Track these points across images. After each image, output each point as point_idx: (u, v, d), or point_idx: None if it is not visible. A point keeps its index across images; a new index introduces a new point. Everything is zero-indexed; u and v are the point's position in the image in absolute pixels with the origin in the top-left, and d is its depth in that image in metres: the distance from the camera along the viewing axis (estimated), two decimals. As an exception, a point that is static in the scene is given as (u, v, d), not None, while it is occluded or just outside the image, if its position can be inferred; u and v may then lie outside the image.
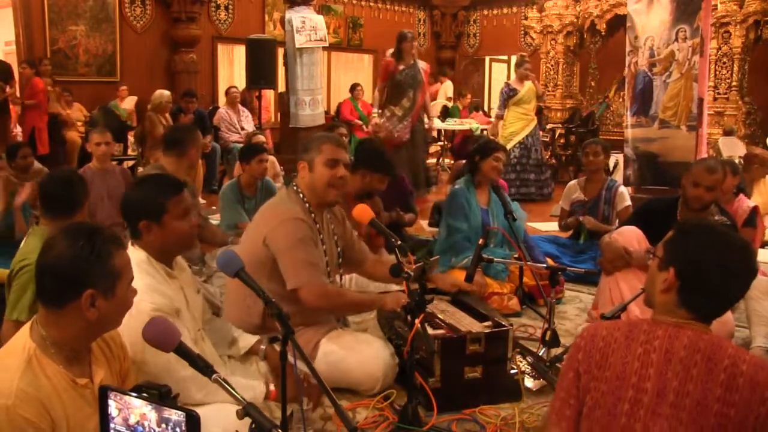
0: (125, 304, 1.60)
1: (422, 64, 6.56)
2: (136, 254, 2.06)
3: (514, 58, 9.99)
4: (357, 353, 2.70)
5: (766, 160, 5.16)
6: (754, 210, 4.14)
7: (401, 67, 6.37)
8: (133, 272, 1.62)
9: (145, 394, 1.25)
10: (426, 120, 6.73)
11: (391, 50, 6.63)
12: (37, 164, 5.37)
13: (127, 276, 1.59)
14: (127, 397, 1.27)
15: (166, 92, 7.59)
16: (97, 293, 1.50)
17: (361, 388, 2.72)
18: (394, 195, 4.67)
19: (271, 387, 2.27)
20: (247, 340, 2.48)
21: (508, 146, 7.47)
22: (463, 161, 6.36)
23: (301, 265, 2.64)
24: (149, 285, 2.00)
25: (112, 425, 1.30)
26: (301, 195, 2.79)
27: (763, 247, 4.75)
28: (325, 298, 2.69)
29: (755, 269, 1.54)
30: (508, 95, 7.40)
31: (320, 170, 2.73)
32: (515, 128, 7.56)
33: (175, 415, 1.22)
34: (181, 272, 2.23)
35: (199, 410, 1.72)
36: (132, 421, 1.27)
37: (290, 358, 1.91)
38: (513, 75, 7.79)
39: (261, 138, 6.36)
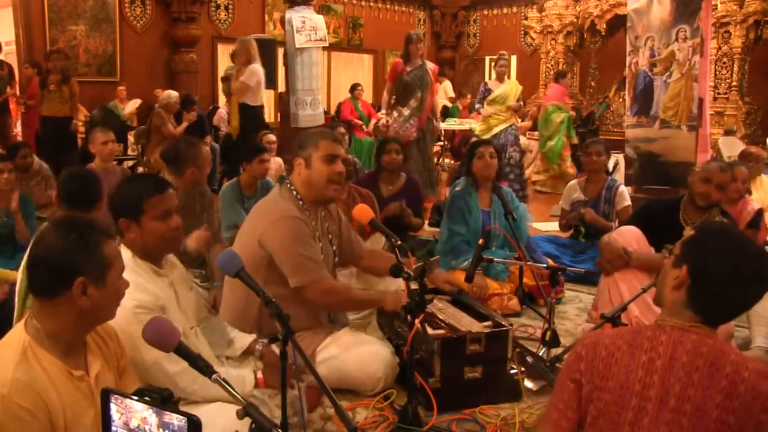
0: (117, 294, 1.61)
1: (430, 65, 6.61)
2: (122, 253, 2.07)
3: (514, 59, 10.00)
4: (357, 354, 2.69)
5: (761, 157, 5.19)
6: (759, 212, 4.15)
7: (409, 68, 6.43)
8: (123, 263, 1.64)
9: (146, 398, 1.25)
10: (434, 121, 6.78)
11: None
12: (36, 161, 5.38)
13: (118, 266, 1.60)
14: (128, 401, 1.26)
15: (174, 93, 7.61)
16: (87, 281, 1.52)
17: (362, 389, 2.72)
18: (407, 197, 4.69)
19: (259, 375, 2.27)
20: (243, 340, 2.48)
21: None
22: (459, 163, 6.40)
23: (302, 263, 2.64)
24: (133, 282, 1.96)
25: (113, 428, 1.30)
26: (294, 192, 2.77)
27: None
28: (331, 294, 2.69)
29: None
30: (483, 95, 7.47)
31: (318, 166, 2.72)
32: (483, 127, 7.61)
33: (176, 420, 1.22)
34: (172, 269, 2.24)
35: (198, 410, 1.74)
36: (133, 425, 1.27)
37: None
38: (513, 75, 7.78)
39: (271, 137, 6.36)
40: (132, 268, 2.04)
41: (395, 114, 6.52)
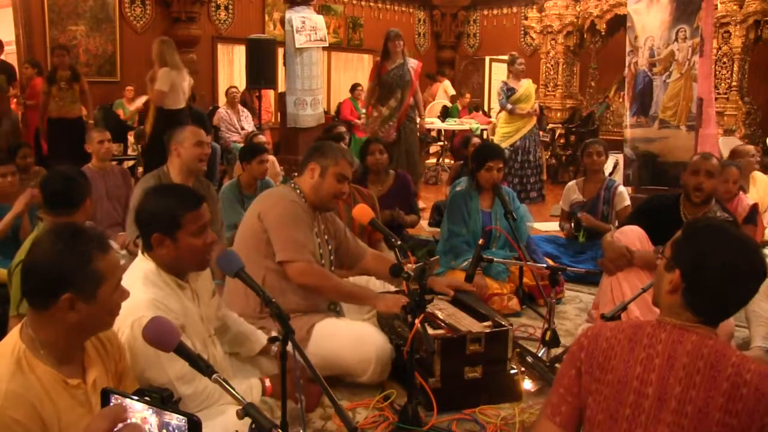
0: (110, 308, 1.56)
1: (412, 63, 6.50)
2: (144, 264, 2.05)
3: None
4: (350, 336, 2.73)
5: (746, 152, 5.21)
6: (754, 207, 4.15)
7: (388, 66, 6.36)
8: (120, 273, 1.58)
9: (146, 398, 1.25)
10: (417, 119, 6.68)
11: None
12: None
13: (112, 279, 1.54)
14: (128, 401, 1.26)
15: None
16: (75, 297, 1.47)
17: (354, 372, 2.72)
18: (398, 195, 4.68)
19: (267, 383, 2.27)
20: (257, 343, 2.50)
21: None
22: (461, 162, 6.39)
23: (290, 242, 2.74)
24: (155, 299, 1.96)
25: (113, 428, 1.30)
26: (298, 191, 2.89)
27: (763, 246, 4.75)
28: (310, 276, 2.75)
29: (764, 272, 1.49)
30: (507, 94, 7.31)
31: (331, 181, 2.86)
32: (509, 129, 7.48)
33: (176, 420, 1.22)
34: (197, 277, 2.19)
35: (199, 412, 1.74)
36: None
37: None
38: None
39: (262, 138, 6.35)
40: (154, 282, 2.01)
41: (375, 114, 6.45)
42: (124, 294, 1.59)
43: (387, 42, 6.36)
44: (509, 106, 7.31)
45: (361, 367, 2.70)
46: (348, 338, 2.71)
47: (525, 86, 7.32)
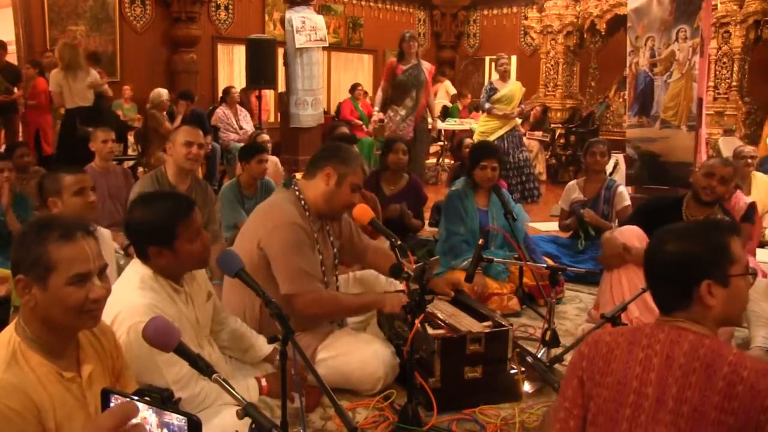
0: (64, 301, 1.47)
1: (426, 65, 6.65)
2: (140, 269, 2.05)
3: (514, 59, 9.97)
4: (357, 354, 2.69)
5: (737, 154, 5.22)
6: (752, 206, 4.15)
7: (403, 67, 6.45)
8: (77, 270, 1.48)
9: (147, 398, 1.25)
10: (429, 120, 6.78)
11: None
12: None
13: (65, 271, 1.46)
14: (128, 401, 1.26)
15: (164, 90, 7.64)
16: (28, 280, 1.47)
17: (362, 388, 2.71)
18: (409, 197, 4.70)
19: (263, 382, 2.27)
20: (262, 350, 2.49)
21: None
22: (458, 163, 6.43)
23: (295, 272, 2.60)
24: (151, 303, 1.96)
25: None
26: (302, 201, 2.74)
27: (761, 246, 4.75)
28: (319, 305, 2.66)
29: (720, 245, 1.50)
30: (489, 94, 7.42)
31: (346, 190, 2.72)
32: (484, 129, 7.54)
33: (176, 420, 1.21)
34: (191, 281, 2.19)
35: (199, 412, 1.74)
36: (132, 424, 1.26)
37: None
38: (513, 75, 7.79)
39: (265, 137, 6.36)
40: (151, 286, 2.01)
41: (391, 113, 6.56)
42: (81, 291, 1.48)
43: (402, 43, 6.49)
44: (487, 105, 7.45)
45: (370, 384, 2.68)
46: (355, 358, 2.67)
47: (509, 88, 7.36)
